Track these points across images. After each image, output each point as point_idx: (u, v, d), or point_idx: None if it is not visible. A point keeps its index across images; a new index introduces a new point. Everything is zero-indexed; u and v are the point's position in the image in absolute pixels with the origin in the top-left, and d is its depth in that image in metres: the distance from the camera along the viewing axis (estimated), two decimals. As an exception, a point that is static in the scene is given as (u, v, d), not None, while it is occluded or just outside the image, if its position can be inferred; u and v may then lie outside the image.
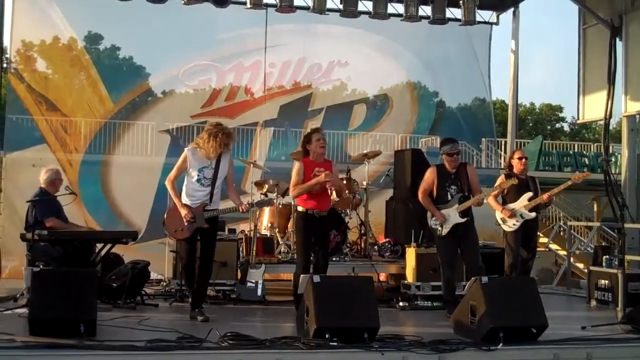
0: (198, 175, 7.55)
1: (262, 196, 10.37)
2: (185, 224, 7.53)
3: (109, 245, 8.63)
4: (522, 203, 9.26)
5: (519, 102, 21.78)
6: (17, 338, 5.96)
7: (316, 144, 7.99)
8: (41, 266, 7.89)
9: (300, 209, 8.02)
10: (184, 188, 7.69)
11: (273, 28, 13.08)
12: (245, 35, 13.50)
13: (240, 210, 7.69)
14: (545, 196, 9.28)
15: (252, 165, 10.92)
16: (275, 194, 10.28)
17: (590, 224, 20.34)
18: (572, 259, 13.00)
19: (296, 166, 8.03)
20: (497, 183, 9.15)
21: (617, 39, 11.47)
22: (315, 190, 7.93)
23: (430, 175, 8.44)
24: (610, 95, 11.35)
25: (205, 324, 7.19)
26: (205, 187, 7.56)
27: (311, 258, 8.01)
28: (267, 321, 8.16)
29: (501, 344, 6.28)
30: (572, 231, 13.44)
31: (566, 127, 47.16)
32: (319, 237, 8.09)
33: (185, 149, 7.75)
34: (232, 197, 7.82)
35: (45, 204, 8.67)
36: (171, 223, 7.70)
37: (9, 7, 11.93)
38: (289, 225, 10.10)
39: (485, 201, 8.71)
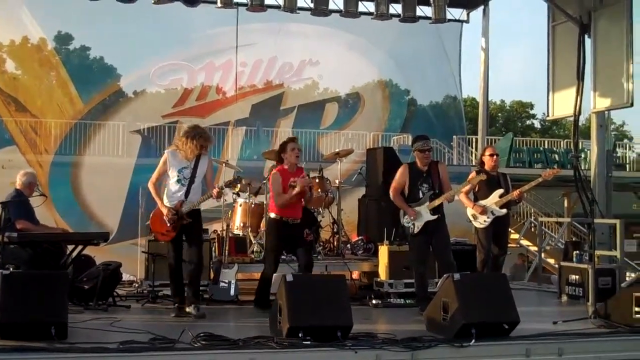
0: (178, 176, 7.77)
1: (235, 196, 10.40)
2: (168, 224, 7.69)
3: (79, 247, 8.55)
4: (493, 200, 9.33)
5: (490, 99, 21.97)
6: (-14, 342, 5.89)
7: (291, 153, 8.24)
8: (11, 269, 7.81)
9: (273, 215, 8.27)
10: (165, 190, 7.88)
11: (244, 27, 13.06)
12: (216, 35, 13.48)
13: (213, 195, 7.78)
14: (516, 193, 9.35)
15: (224, 164, 10.88)
16: (248, 193, 10.25)
17: (560, 219, 20.59)
18: (543, 255, 13.13)
19: (273, 177, 8.31)
20: (469, 178, 9.20)
21: (586, 36, 11.57)
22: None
23: (401, 173, 8.46)
24: (579, 92, 11.42)
25: (182, 324, 7.13)
26: (184, 187, 7.75)
27: (279, 262, 8.35)
28: (241, 321, 8.13)
29: (473, 340, 6.31)
30: (542, 227, 13.56)
31: (537, 124, 47.51)
32: (296, 238, 8.28)
33: (165, 151, 8.00)
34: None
35: (19, 205, 8.58)
36: (156, 225, 7.88)
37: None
38: (261, 225, 10.09)
39: (456, 198, 8.76)
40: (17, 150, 12.41)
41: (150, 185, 7.88)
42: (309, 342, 6.10)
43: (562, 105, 12.11)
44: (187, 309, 7.78)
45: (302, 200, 8.40)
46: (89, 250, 8.88)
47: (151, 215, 7.99)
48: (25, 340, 5.89)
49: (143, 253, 9.37)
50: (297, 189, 8.04)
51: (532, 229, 19.94)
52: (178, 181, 7.76)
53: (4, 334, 6.05)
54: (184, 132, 7.97)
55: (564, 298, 9.64)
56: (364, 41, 14.13)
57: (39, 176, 11.89)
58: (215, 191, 7.75)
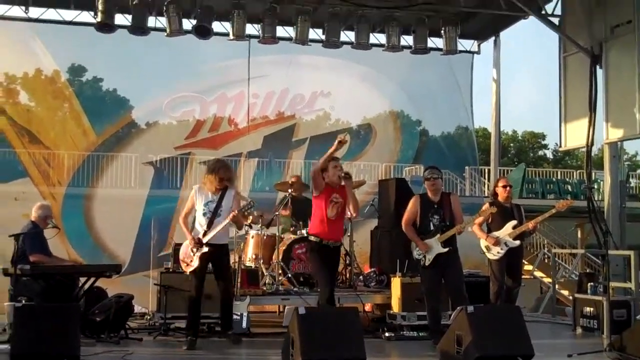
0: (204, 209, 8.13)
1: (247, 227, 10.36)
2: (191, 253, 8.02)
3: (92, 279, 8.56)
4: (506, 231, 9.29)
5: (502, 129, 21.93)
6: (-2, 375, 5.88)
7: (333, 171, 8.13)
8: (24, 301, 7.81)
9: (313, 238, 8.14)
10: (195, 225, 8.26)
11: (256, 59, 13.12)
12: (228, 67, 13.53)
13: (230, 219, 8.02)
14: (530, 224, 9.32)
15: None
16: (260, 225, 10.24)
17: (574, 251, 20.46)
18: (557, 286, 13.02)
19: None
20: (482, 209, 9.16)
21: (598, 67, 11.58)
22: (329, 217, 8.06)
23: (413, 205, 8.44)
24: (592, 123, 11.42)
25: (195, 357, 7.13)
26: (207, 219, 8.07)
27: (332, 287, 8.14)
28: (253, 354, 8.10)
29: (487, 374, 6.27)
30: (556, 258, 13.47)
31: (549, 154, 47.42)
32: (331, 267, 8.25)
33: (193, 186, 8.40)
34: None
35: (35, 239, 8.63)
36: (183, 256, 8.20)
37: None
38: (273, 257, 10.05)
39: (469, 229, 8.72)
40: (30, 182, 12.43)
41: (180, 221, 8.36)
42: (321, 376, 6.06)
43: (575, 136, 12.10)
44: (221, 337, 8.33)
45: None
46: (101, 282, 8.90)
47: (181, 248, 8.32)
48: (37, 372, 5.90)
49: (155, 285, 9.35)
50: (331, 149, 8.08)
51: (546, 260, 19.86)
52: (204, 214, 8.09)
53: (17, 366, 6.06)
54: (207, 166, 8.46)
55: (579, 330, 9.55)
56: (375, 72, 14.17)
57: (52, 208, 11.94)
58: (230, 215, 7.98)
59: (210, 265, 8.18)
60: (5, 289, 8.53)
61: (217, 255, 8.09)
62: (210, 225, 8.04)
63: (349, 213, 8.45)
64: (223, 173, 8.15)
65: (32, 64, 12.73)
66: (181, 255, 8.26)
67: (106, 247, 12.55)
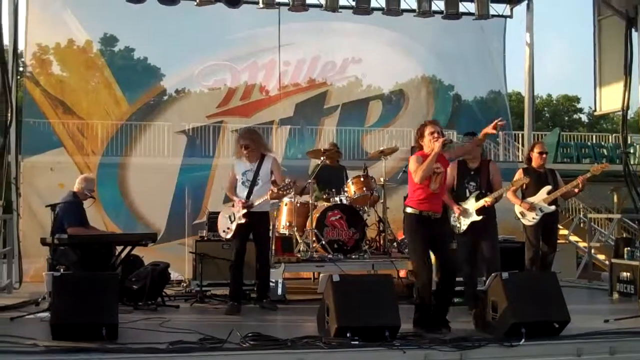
0: (242, 179, 8.29)
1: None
2: (229, 222, 8.26)
3: (128, 248, 8.67)
4: (541, 196, 9.22)
5: (536, 93, 21.70)
6: (39, 342, 5.96)
7: (429, 137, 7.11)
8: (62, 270, 7.94)
9: (411, 210, 7.17)
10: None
11: (286, 27, 13.04)
12: (258, 35, 13.47)
13: (269, 196, 8.21)
14: (579, 179, 9.09)
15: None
16: (293, 192, 10.26)
17: (610, 215, 20.25)
18: (592, 251, 12.92)
19: (414, 158, 7.19)
20: (515, 179, 9.10)
21: (633, 30, 11.37)
22: (431, 190, 7.11)
23: (450, 170, 8.36)
24: (627, 87, 11.26)
25: (230, 323, 7.17)
26: (247, 188, 8.23)
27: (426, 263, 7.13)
28: (288, 320, 8.16)
29: (523, 340, 6.25)
30: (592, 223, 13.34)
31: (584, 118, 46.87)
32: (437, 239, 7.19)
33: (233, 158, 8.59)
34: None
35: (73, 210, 8.76)
36: (219, 224, 8.48)
37: (23, 12, 11.88)
38: (307, 224, 10.09)
39: (504, 196, 8.65)
40: (65, 152, 12.53)
41: (227, 192, 8.58)
42: (357, 342, 6.09)
43: (610, 99, 11.95)
44: (259, 304, 8.45)
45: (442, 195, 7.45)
46: (138, 251, 9.00)
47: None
48: (76, 341, 5.98)
49: (191, 253, 9.44)
50: (432, 154, 6.97)
51: (582, 225, 19.68)
52: (242, 183, 8.27)
53: (57, 335, 6.17)
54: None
55: (615, 296, 9.50)
56: (406, 38, 14.01)
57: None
58: (269, 192, 8.14)
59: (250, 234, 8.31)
60: (45, 258, 8.70)
61: (256, 224, 8.22)
62: (249, 195, 8.16)
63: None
64: (242, 140, 8.32)
65: (64, 35, 12.75)
66: (219, 224, 8.45)
67: (141, 216, 12.65)
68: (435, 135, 7.07)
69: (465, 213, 8.21)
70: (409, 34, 13.93)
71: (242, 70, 13.69)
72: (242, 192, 8.24)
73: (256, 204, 8.14)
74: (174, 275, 10.38)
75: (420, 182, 7.04)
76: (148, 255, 9.51)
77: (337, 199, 10.17)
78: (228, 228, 8.29)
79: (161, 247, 11.40)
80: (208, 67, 13.52)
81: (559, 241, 10.60)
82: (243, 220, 8.09)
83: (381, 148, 11.27)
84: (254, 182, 8.21)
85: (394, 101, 14.90)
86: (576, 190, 9.27)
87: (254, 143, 8.29)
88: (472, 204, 8.19)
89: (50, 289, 6.90)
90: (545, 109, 46.07)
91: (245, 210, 8.09)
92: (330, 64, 14.04)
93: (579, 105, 47.33)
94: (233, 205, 8.35)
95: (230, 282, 8.29)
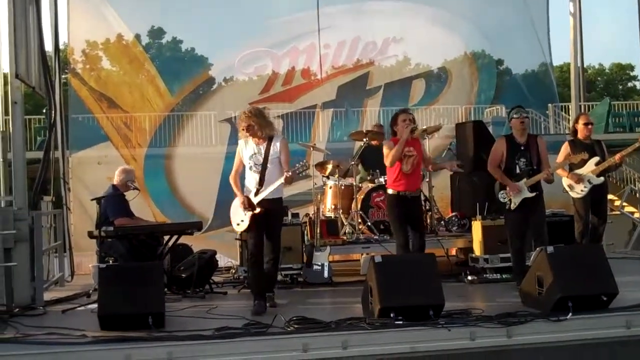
0: (249, 163, 7.50)
1: (324, 178, 10.43)
2: (243, 212, 7.45)
3: (174, 237, 8.76)
4: (589, 168, 9.06)
5: (587, 64, 21.22)
6: (88, 333, 6.09)
7: (402, 124, 8.20)
8: (110, 262, 8.08)
9: (390, 191, 8.29)
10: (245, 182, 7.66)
11: (324, 10, 12.98)
12: (297, 20, 13.42)
13: (284, 180, 7.34)
14: (617, 157, 9.04)
15: (312, 148, 10.87)
16: (337, 175, 10.25)
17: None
18: (647, 222, 12.64)
19: (386, 144, 8.33)
20: (561, 152, 8.94)
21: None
22: (404, 172, 8.18)
23: (499, 146, 8.23)
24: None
25: (273, 309, 7.19)
26: (256, 174, 7.46)
27: (408, 236, 8.19)
28: (335, 303, 8.19)
29: (570, 314, 6.16)
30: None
31: (639, 86, 45.82)
32: (412, 218, 8.30)
33: (239, 141, 7.70)
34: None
35: (116, 202, 8.87)
36: (233, 216, 7.67)
37: (64, 10, 12.05)
38: (352, 206, 10.07)
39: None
40: (112, 145, 12.67)
41: (230, 180, 7.69)
42: (400, 322, 6.06)
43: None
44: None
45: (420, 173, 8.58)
46: (186, 239, 9.09)
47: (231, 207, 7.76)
48: (124, 330, 6.08)
49: (236, 240, 9.50)
50: (400, 142, 8.08)
51: (636, 194, 19.29)
52: (250, 168, 7.51)
53: (105, 326, 6.28)
54: None
55: (670, 265, 9.29)
56: (447, 14, 13.84)
57: (135, 170, 12.22)
58: (284, 177, 7.31)
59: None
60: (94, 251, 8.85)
61: (270, 213, 7.47)
62: (262, 181, 7.42)
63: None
64: (243, 122, 7.47)
65: (105, 31, 12.88)
66: (232, 216, 7.66)
67: (189, 205, 12.75)
68: (407, 122, 8.16)
69: (519, 189, 8.06)
70: (449, 9, 13.75)
71: (283, 56, 13.66)
72: (252, 178, 7.47)
73: (268, 191, 7.38)
74: (226, 261, 10.49)
75: (391, 165, 8.17)
76: (197, 243, 9.61)
77: (381, 179, 10.12)
78: (242, 220, 7.49)
79: (210, 235, 11.54)
80: (248, 55, 13.53)
81: (612, 212, 10.41)
82: (257, 210, 7.38)
83: (424, 127, 11.16)
84: (264, 167, 7.41)
85: (438, 79, 14.73)
86: (615, 165, 9.16)
87: (257, 124, 7.42)
88: (523, 181, 8.03)
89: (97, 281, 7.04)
90: (598, 79, 45.15)
91: (251, 212, 7.38)
92: (371, 45, 13.92)
93: (633, 74, 46.28)
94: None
95: (251, 279, 7.77)
